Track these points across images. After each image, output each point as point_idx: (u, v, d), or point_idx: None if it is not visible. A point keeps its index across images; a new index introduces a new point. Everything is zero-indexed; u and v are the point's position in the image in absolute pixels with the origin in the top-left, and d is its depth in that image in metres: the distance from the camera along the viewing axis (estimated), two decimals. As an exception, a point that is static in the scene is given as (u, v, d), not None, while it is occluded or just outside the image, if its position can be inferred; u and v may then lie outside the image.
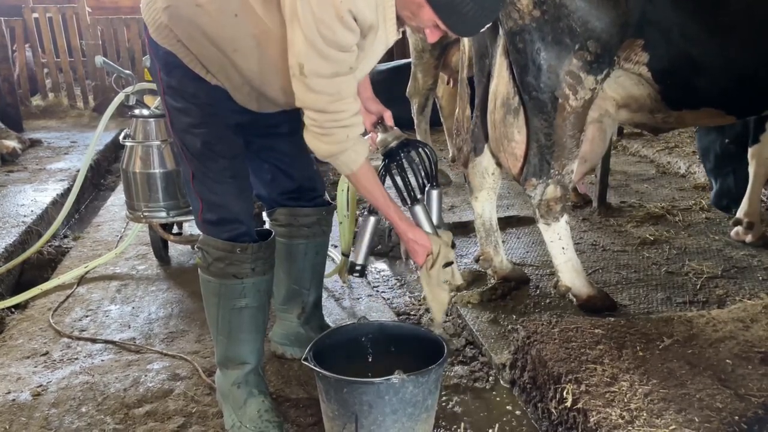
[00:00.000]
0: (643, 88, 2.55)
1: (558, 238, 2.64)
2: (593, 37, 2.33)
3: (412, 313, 3.10)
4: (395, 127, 2.22)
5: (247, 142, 2.15)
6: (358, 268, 2.20)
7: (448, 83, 4.95)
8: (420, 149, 2.22)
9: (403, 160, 2.16)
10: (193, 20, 1.85)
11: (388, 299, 3.25)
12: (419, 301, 3.23)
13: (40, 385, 2.46)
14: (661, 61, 2.43)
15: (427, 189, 2.31)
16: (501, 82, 2.55)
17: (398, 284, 3.45)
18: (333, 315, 3.01)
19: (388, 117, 2.21)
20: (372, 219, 2.22)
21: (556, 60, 2.37)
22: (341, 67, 1.76)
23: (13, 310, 3.21)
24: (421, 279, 2.18)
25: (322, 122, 1.81)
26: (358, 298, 3.21)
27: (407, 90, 4.68)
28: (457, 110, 2.87)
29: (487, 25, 1.81)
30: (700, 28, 2.36)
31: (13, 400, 2.37)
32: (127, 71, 3.50)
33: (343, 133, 1.83)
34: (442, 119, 5.12)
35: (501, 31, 2.48)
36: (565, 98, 2.42)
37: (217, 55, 1.90)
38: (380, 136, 2.20)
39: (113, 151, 6.55)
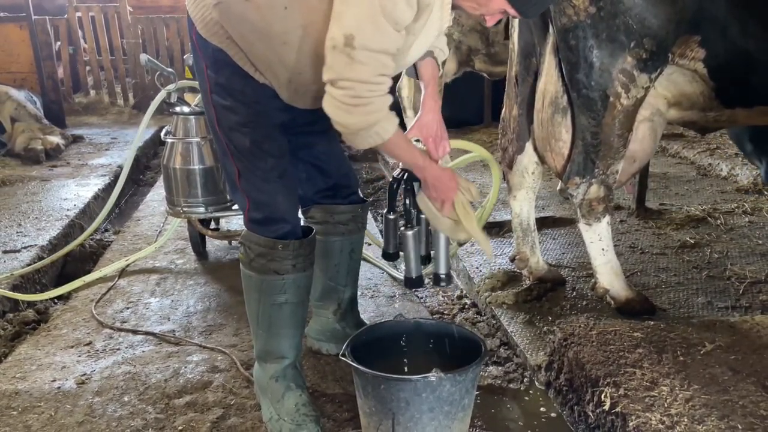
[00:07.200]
0: (696, 86, 2.50)
1: (598, 239, 2.61)
2: (649, 35, 2.29)
3: (445, 312, 3.10)
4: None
5: None
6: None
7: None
8: None
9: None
10: (243, 16, 1.86)
11: (422, 298, 3.25)
12: (452, 300, 3.23)
13: (84, 374, 2.53)
14: (718, 57, 2.37)
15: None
16: (549, 81, 2.52)
17: (431, 283, 3.45)
18: (367, 312, 3.02)
19: (443, 150, 2.16)
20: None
21: (609, 58, 2.34)
22: (389, 45, 1.76)
23: (56, 300, 3.30)
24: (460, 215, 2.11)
25: (360, 91, 1.74)
26: (392, 297, 3.22)
27: (397, 84, 4.65)
28: (503, 110, 2.86)
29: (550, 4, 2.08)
30: (760, 23, 2.29)
31: (59, 387, 2.44)
32: (169, 69, 3.57)
33: (381, 102, 1.79)
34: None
35: (551, 29, 2.46)
36: (616, 97, 2.39)
37: (265, 51, 1.90)
38: None
39: (152, 147, 6.68)
